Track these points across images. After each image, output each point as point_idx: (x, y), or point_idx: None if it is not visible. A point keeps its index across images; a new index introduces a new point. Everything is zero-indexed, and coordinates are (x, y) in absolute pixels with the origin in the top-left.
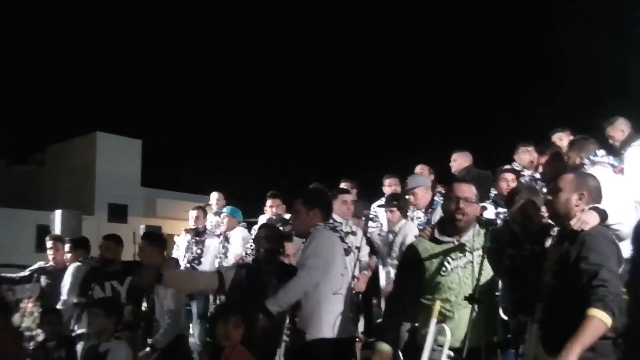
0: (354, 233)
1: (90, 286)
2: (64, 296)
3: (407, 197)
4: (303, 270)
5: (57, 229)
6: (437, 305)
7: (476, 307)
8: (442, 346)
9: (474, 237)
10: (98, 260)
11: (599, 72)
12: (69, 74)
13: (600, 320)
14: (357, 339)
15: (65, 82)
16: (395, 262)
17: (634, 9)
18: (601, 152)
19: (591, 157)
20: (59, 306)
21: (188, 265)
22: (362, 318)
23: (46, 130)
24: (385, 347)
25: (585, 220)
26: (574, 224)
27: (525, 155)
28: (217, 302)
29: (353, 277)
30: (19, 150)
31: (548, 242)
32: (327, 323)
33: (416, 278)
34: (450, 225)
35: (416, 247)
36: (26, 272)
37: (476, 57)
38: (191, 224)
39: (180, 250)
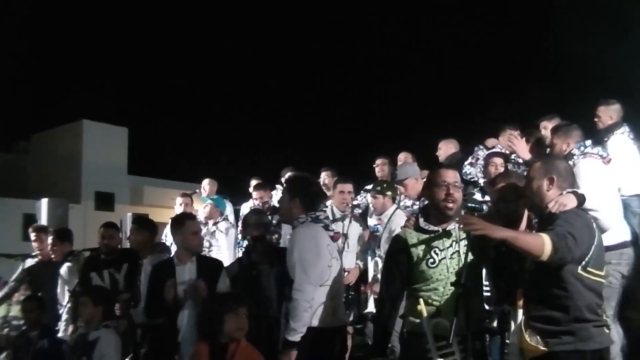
0: (342, 219)
1: (89, 276)
2: (61, 301)
3: (398, 187)
4: (297, 294)
5: (43, 218)
6: (422, 304)
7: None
8: (440, 337)
9: (459, 226)
10: (98, 249)
11: (589, 61)
12: (54, 61)
13: (543, 242)
14: (347, 328)
15: (51, 69)
16: (381, 252)
17: (631, 2)
18: (588, 142)
19: (581, 148)
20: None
21: None
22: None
23: (31, 118)
24: None
25: (563, 202)
26: (552, 206)
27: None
28: None
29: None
30: (3, 139)
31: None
32: (315, 314)
33: (403, 270)
34: (436, 212)
35: (403, 238)
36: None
37: (466, 41)
38: (179, 212)
39: (168, 239)
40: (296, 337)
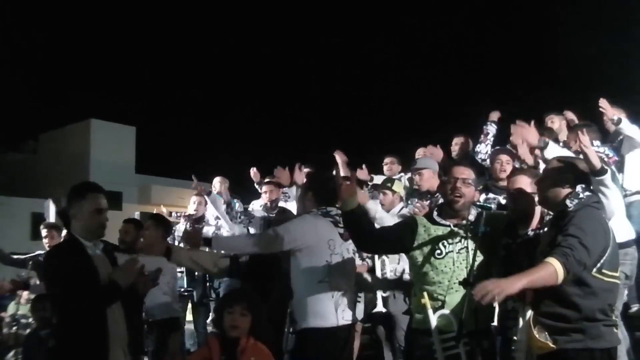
0: None
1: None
2: None
3: (413, 175)
4: (263, 234)
5: (52, 217)
6: (426, 298)
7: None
8: (444, 332)
9: (471, 223)
10: (116, 245)
11: (593, 58)
12: (62, 61)
13: (554, 269)
14: (354, 325)
15: (59, 69)
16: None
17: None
18: (597, 143)
19: None
20: None
21: None
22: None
23: (39, 117)
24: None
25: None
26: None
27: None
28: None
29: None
30: (12, 138)
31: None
32: (315, 312)
33: (402, 235)
34: (447, 207)
35: (415, 218)
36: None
37: (471, 40)
38: (192, 210)
39: (177, 238)
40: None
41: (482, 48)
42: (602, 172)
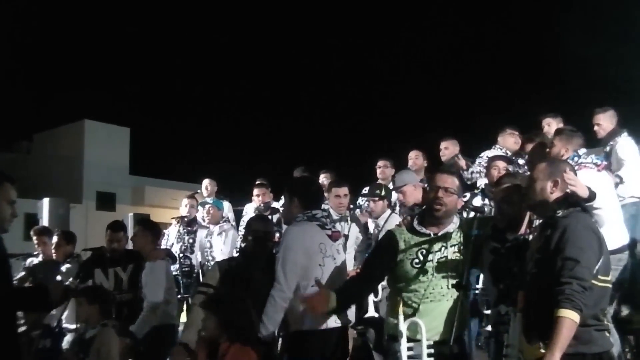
0: (340, 220)
1: (92, 272)
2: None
3: (396, 194)
4: (274, 290)
5: (45, 218)
6: (400, 305)
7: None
8: (417, 340)
9: (452, 232)
10: (101, 249)
11: (589, 61)
12: (56, 61)
13: (570, 320)
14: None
15: (53, 69)
16: None
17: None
18: (582, 151)
19: (575, 159)
20: None
21: (181, 255)
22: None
23: (33, 117)
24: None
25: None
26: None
27: (511, 138)
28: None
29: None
30: (5, 138)
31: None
32: (309, 315)
33: (386, 264)
34: (428, 215)
35: (394, 235)
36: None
37: (469, 41)
38: (184, 212)
39: (170, 240)
40: (266, 335)
41: (479, 49)
42: (591, 198)
